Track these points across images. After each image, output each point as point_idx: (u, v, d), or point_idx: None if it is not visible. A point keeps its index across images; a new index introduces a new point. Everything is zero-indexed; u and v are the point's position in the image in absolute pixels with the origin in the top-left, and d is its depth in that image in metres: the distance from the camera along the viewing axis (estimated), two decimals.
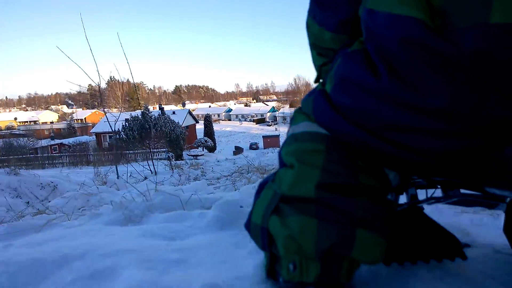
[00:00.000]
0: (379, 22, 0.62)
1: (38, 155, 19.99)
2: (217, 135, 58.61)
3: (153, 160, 7.54)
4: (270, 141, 41.88)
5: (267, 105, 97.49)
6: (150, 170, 5.63)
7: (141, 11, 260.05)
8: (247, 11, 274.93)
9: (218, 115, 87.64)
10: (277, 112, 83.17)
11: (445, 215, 1.61)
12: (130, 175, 5.27)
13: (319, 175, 0.72)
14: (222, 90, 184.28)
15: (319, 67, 0.97)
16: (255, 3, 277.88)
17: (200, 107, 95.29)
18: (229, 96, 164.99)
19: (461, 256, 1.02)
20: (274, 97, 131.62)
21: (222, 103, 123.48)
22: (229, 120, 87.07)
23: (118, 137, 25.26)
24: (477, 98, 0.56)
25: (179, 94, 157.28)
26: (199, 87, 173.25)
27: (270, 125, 72.36)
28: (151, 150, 19.24)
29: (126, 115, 27.55)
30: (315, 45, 0.96)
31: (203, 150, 32.43)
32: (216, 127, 72.39)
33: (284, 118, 78.52)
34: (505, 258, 1.07)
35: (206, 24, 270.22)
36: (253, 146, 40.06)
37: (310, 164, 0.74)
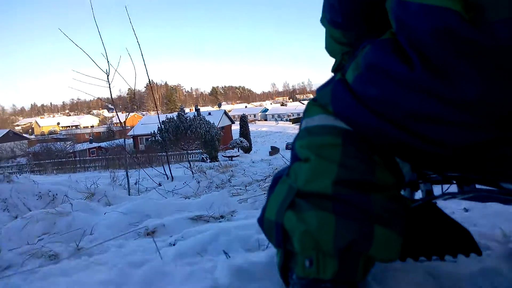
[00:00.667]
0: (412, 12, 0.61)
1: (77, 158, 20.26)
2: (253, 135, 58.72)
3: (189, 162, 6.96)
4: None
5: (303, 103, 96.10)
6: (166, 175, 4.93)
7: (175, 11, 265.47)
8: (283, 6, 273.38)
9: (254, 116, 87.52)
10: None
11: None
12: (142, 180, 4.68)
13: (336, 170, 0.71)
14: (258, 90, 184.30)
15: (341, 56, 0.96)
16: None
17: (236, 108, 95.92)
18: (265, 96, 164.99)
19: (476, 252, 1.02)
20: (311, 96, 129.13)
21: (258, 103, 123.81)
22: (265, 120, 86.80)
23: (154, 139, 25.38)
24: (509, 91, 0.57)
25: (216, 96, 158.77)
26: (235, 88, 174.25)
27: None
28: (186, 151, 19.07)
29: (163, 117, 27.75)
30: (333, 37, 0.97)
31: (238, 151, 31.97)
32: (252, 127, 72.60)
33: None
34: None
35: (241, 23, 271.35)
36: (289, 146, 38.72)
37: (327, 158, 0.72)
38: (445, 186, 1.04)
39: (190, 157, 17.99)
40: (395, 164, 0.77)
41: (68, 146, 29.32)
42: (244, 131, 36.14)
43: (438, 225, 1.07)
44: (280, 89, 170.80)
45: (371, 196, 0.71)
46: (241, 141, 32.55)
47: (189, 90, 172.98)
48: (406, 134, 0.66)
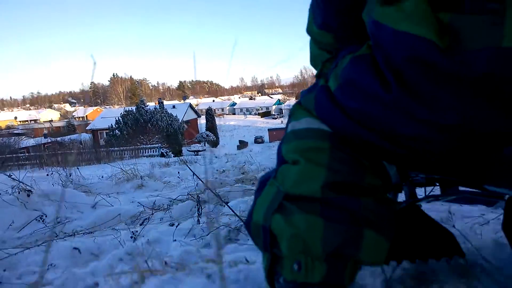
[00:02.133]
0: (386, 36, 0.60)
1: (31, 154, 18.15)
2: (221, 129, 57.86)
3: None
4: (276, 134, 40.58)
5: (272, 98, 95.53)
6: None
7: (143, 6, 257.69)
8: (249, 2, 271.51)
9: (222, 110, 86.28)
10: (283, 104, 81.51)
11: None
12: None
13: (325, 173, 0.71)
14: (226, 85, 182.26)
15: (322, 63, 0.94)
16: None
17: (203, 102, 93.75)
18: (234, 90, 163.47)
19: (459, 254, 1.04)
20: (280, 91, 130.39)
21: (226, 97, 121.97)
22: (234, 114, 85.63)
23: (112, 133, 23.54)
24: (489, 115, 0.57)
25: (183, 90, 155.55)
26: (203, 82, 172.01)
27: (275, 118, 71.20)
28: (139, 146, 17.53)
29: (121, 110, 25.84)
30: (316, 41, 0.96)
31: (205, 145, 30.54)
32: (220, 121, 71.51)
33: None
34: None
35: (208, 17, 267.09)
36: (258, 140, 38.78)
37: (315, 162, 0.73)
38: (429, 189, 1.12)
39: (148, 152, 16.48)
40: (382, 167, 0.77)
41: (19, 140, 26.69)
42: (211, 125, 34.79)
43: (421, 227, 1.07)
44: (249, 83, 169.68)
45: (360, 199, 0.70)
46: (207, 135, 31.14)
47: (155, 85, 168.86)
48: (389, 143, 0.67)
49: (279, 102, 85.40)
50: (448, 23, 0.55)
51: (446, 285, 0.94)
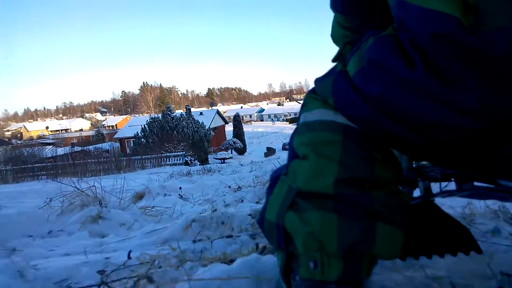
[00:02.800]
0: (411, 15, 0.60)
1: (59, 163, 18.11)
2: (248, 136, 57.65)
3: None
4: None
5: (300, 103, 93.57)
6: None
7: (171, 11, 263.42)
8: (275, 5, 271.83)
9: (250, 116, 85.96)
10: None
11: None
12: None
13: (337, 169, 0.70)
14: (255, 91, 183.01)
15: (343, 44, 0.95)
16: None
17: (231, 109, 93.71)
18: (262, 97, 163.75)
19: (476, 250, 1.03)
20: None
21: (254, 103, 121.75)
22: (262, 120, 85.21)
23: (138, 141, 23.29)
24: (508, 99, 0.56)
25: (212, 97, 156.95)
26: (232, 89, 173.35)
27: None
28: (165, 154, 16.98)
29: (148, 118, 25.59)
30: (337, 21, 0.98)
31: (231, 152, 29.93)
32: (247, 128, 71.24)
33: None
34: None
35: (236, 23, 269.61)
36: (286, 147, 37.41)
37: (327, 156, 0.72)
38: (444, 184, 1.04)
39: (171, 160, 15.91)
40: (394, 158, 0.77)
41: (37, 151, 26.95)
42: (238, 132, 34.10)
43: (437, 223, 1.07)
44: (277, 89, 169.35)
45: (372, 193, 0.70)
46: (234, 142, 30.53)
47: (185, 92, 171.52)
48: (410, 133, 0.66)
49: None
50: (473, 3, 0.54)
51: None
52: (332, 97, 0.75)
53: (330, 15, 1.01)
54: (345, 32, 0.95)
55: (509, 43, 0.52)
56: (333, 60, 0.96)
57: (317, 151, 0.73)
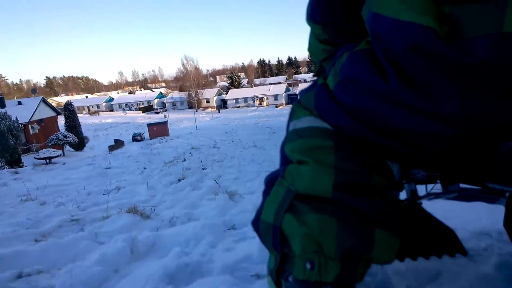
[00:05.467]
0: (386, 27, 0.60)
1: None
2: (94, 128, 50.52)
3: None
4: (157, 129, 35.95)
5: (154, 91, 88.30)
6: None
7: None
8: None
9: (98, 106, 76.81)
10: (166, 98, 75.61)
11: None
12: None
13: (334, 174, 0.72)
14: (105, 81, 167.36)
15: (319, 62, 0.97)
16: None
17: (76, 99, 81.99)
18: (114, 87, 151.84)
19: (461, 252, 1.05)
20: (163, 84, 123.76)
21: (103, 93, 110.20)
22: (112, 110, 76.88)
23: None
24: (490, 105, 0.56)
25: (52, 88, 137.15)
26: (78, 78, 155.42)
27: (158, 113, 66.12)
28: None
29: None
30: (315, 34, 0.96)
31: (63, 148, 24.14)
32: (94, 119, 62.99)
33: (174, 104, 71.59)
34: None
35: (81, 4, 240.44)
36: (137, 138, 33.77)
37: (323, 162, 0.74)
38: (430, 186, 1.06)
39: None
40: (386, 166, 0.78)
41: None
42: (72, 123, 27.96)
43: (423, 225, 1.08)
44: (130, 78, 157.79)
45: (369, 199, 0.72)
46: (65, 136, 24.65)
47: (18, 82, 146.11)
48: (388, 140, 0.67)
49: (161, 96, 79.72)
50: (448, 13, 0.55)
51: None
52: (315, 109, 0.77)
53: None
54: (324, 46, 0.94)
55: (489, 51, 0.51)
56: (315, 75, 0.97)
57: (313, 157, 0.74)
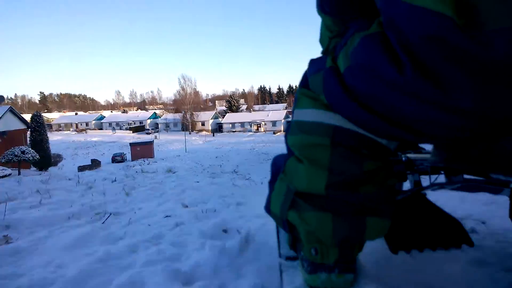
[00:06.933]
0: (401, 12, 0.57)
1: None
2: (74, 146, 47.01)
3: None
4: (140, 150, 32.10)
5: (148, 111, 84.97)
6: None
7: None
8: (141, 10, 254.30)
9: (87, 124, 72.92)
10: (159, 118, 72.08)
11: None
12: None
13: (327, 175, 0.78)
14: (102, 100, 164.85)
15: (329, 38, 0.94)
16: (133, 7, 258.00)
17: (65, 115, 78.36)
18: (111, 106, 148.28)
19: (468, 243, 1.05)
20: (162, 107, 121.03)
21: (95, 111, 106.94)
22: (101, 129, 72.92)
23: None
24: (507, 101, 0.54)
25: (45, 103, 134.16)
26: (75, 96, 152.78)
27: (149, 133, 62.51)
28: None
29: None
30: (326, 25, 0.94)
31: (19, 166, 20.11)
32: (80, 137, 59.10)
33: (167, 125, 67.78)
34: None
35: (81, 26, 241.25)
36: (117, 158, 30.05)
37: (318, 162, 0.80)
38: (433, 177, 1.05)
39: None
40: (383, 149, 0.79)
41: None
42: (39, 137, 24.05)
43: (429, 216, 1.08)
44: (127, 98, 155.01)
45: (361, 190, 0.78)
46: (23, 152, 20.65)
47: (12, 97, 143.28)
48: (398, 130, 0.67)
49: (155, 116, 76.16)
50: (468, 1, 0.51)
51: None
52: (323, 93, 0.77)
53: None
54: (333, 36, 0.91)
55: (507, 46, 0.48)
56: (323, 52, 0.94)
57: (308, 157, 0.81)
